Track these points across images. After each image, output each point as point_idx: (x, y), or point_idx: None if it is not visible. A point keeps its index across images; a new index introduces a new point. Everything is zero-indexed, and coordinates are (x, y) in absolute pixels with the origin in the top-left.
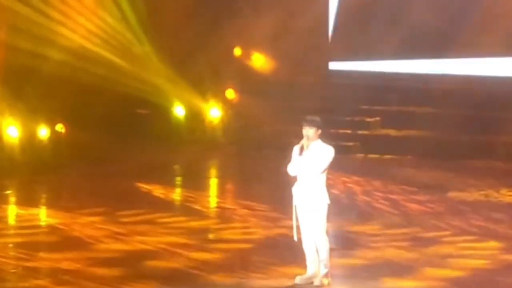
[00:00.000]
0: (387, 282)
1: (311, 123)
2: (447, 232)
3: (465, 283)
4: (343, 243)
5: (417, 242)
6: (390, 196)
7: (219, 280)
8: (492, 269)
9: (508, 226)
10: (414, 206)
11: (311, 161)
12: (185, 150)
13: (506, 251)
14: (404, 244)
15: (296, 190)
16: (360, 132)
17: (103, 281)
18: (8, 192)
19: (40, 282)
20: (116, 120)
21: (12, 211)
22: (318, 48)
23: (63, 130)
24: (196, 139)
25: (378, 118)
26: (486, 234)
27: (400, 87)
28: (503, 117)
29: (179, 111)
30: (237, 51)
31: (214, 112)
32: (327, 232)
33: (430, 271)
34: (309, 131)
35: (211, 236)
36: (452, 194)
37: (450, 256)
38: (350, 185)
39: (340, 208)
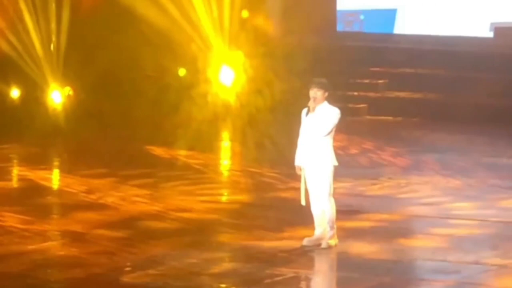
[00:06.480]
0: (396, 243)
1: (319, 85)
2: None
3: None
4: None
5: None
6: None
7: (226, 241)
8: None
9: None
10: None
11: (316, 123)
12: (196, 113)
13: None
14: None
15: (302, 152)
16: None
17: (109, 243)
18: (12, 155)
19: (47, 244)
20: (124, 82)
21: (21, 174)
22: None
23: (71, 93)
24: (207, 103)
25: (386, 80)
26: None
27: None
28: None
29: (187, 74)
30: (245, 14)
31: (224, 76)
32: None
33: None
34: (317, 93)
35: (219, 198)
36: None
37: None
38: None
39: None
